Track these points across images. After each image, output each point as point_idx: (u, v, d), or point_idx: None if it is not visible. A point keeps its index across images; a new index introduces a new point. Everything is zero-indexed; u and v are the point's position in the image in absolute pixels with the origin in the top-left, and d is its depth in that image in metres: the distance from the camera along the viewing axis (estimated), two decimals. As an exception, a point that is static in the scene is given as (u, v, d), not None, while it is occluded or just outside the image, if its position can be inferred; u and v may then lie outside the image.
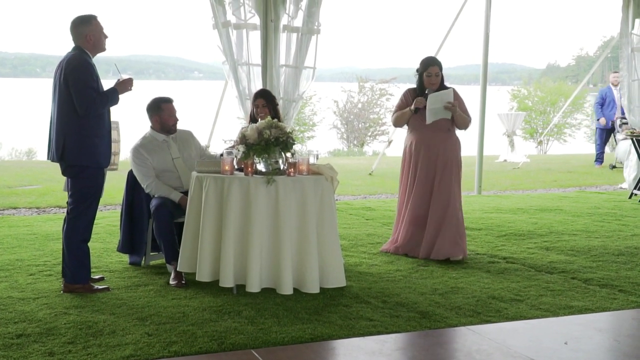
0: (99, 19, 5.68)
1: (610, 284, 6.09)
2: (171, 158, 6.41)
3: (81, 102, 5.42)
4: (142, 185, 6.34)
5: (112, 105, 5.65)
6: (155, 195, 6.29)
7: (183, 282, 5.91)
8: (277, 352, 4.48)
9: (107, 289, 5.73)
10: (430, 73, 7.05)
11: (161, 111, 6.40)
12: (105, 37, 5.69)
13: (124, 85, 5.69)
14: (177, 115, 6.50)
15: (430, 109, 6.95)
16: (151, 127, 6.48)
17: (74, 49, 5.61)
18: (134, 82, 5.77)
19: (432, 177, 7.03)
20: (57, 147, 5.55)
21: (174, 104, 6.49)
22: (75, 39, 5.62)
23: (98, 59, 5.76)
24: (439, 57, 7.44)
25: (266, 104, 7.06)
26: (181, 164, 6.42)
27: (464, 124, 7.14)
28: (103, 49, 5.70)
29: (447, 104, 6.94)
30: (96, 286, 5.74)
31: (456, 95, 7.10)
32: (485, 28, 11.61)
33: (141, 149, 6.36)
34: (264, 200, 5.55)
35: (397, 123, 7.29)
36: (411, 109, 7.06)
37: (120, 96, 5.68)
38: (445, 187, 7.01)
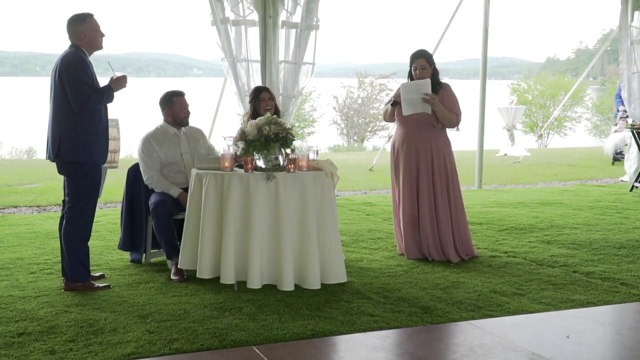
0: (95, 17, 5.66)
1: (612, 277, 6.08)
2: (180, 152, 6.44)
3: (76, 97, 5.42)
4: (144, 177, 6.36)
5: (107, 103, 5.64)
6: (155, 190, 6.31)
7: (185, 277, 5.94)
8: (279, 348, 4.48)
9: (108, 286, 5.73)
10: (416, 67, 6.65)
11: (173, 104, 6.44)
12: (102, 35, 5.67)
13: (119, 82, 5.69)
14: (189, 108, 6.54)
15: (405, 99, 6.59)
16: (164, 119, 6.53)
17: (70, 47, 5.61)
18: (129, 79, 5.78)
19: (416, 176, 6.69)
20: (52, 144, 5.55)
21: (186, 97, 6.53)
22: (71, 37, 5.62)
23: (97, 57, 5.74)
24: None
25: (271, 97, 7.00)
26: (189, 160, 6.43)
27: (448, 120, 6.64)
28: (99, 47, 5.69)
29: (424, 96, 6.52)
30: (97, 284, 5.74)
31: (446, 90, 6.69)
32: (484, 22, 11.57)
33: (151, 139, 6.40)
34: (264, 196, 5.54)
35: (384, 117, 7.08)
36: (390, 103, 6.86)
37: (116, 93, 5.68)
38: (427, 186, 6.66)
